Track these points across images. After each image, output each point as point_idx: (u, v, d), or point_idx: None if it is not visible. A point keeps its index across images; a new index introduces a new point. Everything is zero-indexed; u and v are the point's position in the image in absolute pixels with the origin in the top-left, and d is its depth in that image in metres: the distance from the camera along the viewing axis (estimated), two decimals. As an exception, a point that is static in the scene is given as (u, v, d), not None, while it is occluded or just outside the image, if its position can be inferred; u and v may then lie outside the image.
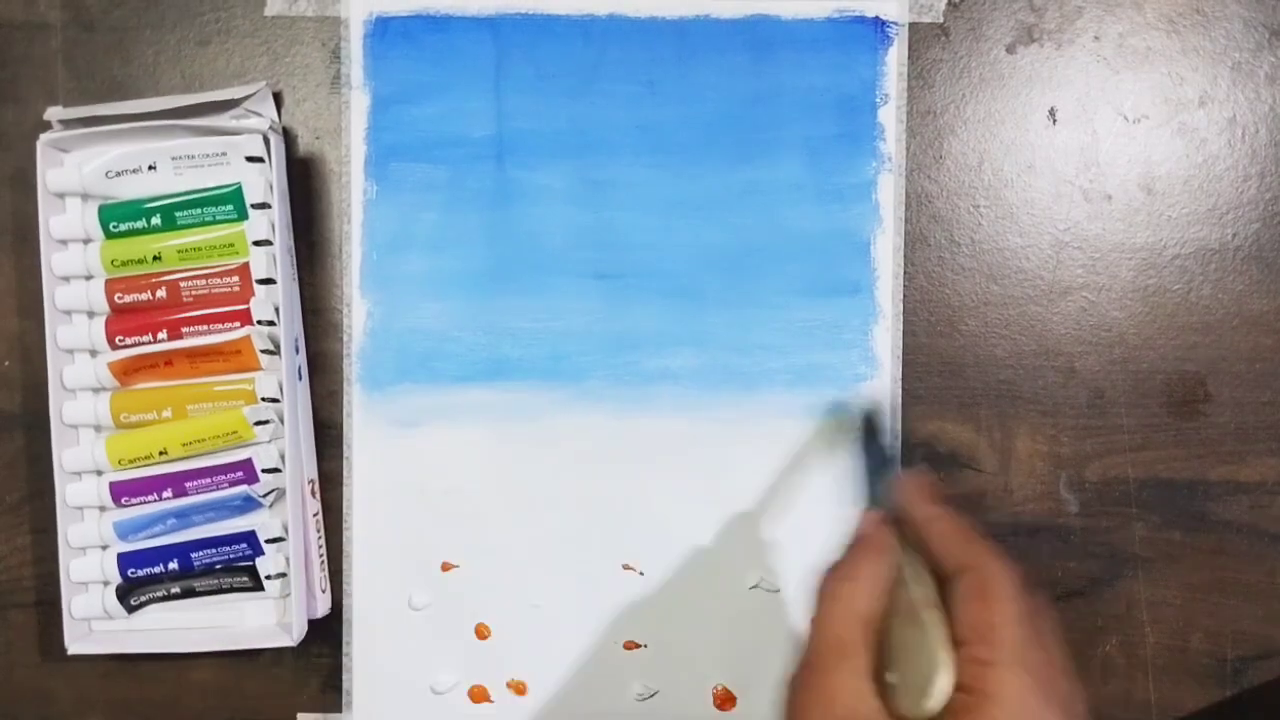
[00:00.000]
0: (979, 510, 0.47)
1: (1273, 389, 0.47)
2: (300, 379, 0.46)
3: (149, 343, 0.45)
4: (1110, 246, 0.47)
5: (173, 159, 0.44)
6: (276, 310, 0.44)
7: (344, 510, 0.47)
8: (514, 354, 0.47)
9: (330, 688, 0.47)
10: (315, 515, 0.46)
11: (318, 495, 0.46)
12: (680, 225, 0.46)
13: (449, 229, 0.46)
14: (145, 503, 0.45)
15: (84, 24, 0.47)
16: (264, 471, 0.45)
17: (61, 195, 0.45)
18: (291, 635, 0.45)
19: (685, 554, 0.47)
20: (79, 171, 0.44)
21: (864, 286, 0.47)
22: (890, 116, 0.46)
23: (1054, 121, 0.47)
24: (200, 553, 0.45)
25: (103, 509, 0.46)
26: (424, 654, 0.47)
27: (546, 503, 0.47)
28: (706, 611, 0.47)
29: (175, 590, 0.46)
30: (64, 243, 0.45)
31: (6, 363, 0.47)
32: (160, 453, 0.45)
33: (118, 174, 0.45)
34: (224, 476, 0.45)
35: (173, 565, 0.46)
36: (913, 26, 0.46)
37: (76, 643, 0.45)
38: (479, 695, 0.47)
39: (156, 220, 0.45)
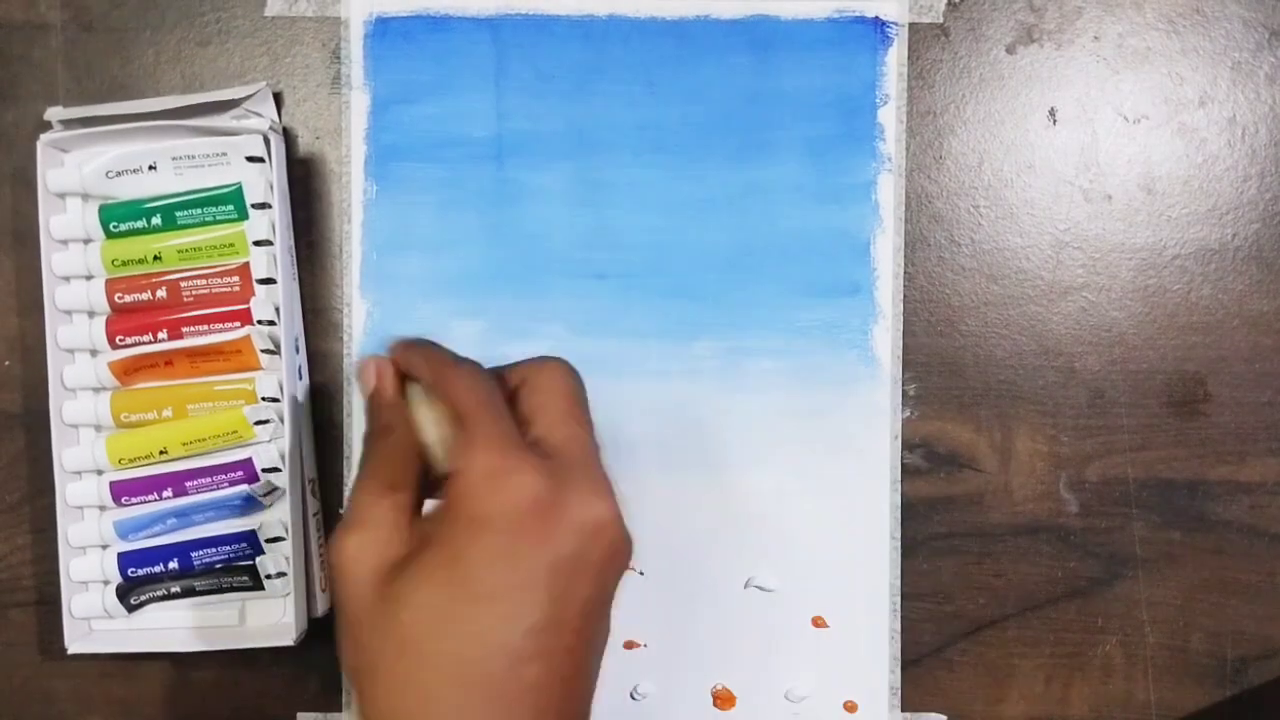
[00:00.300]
0: (979, 510, 0.47)
1: (1273, 389, 0.47)
2: (300, 379, 0.46)
3: (149, 342, 0.45)
4: (1110, 246, 0.47)
5: (173, 159, 0.44)
6: (277, 310, 0.44)
7: (344, 510, 0.47)
8: (514, 354, 0.46)
9: (330, 688, 0.47)
10: (315, 515, 0.46)
11: (318, 495, 0.46)
12: (680, 225, 0.46)
13: (449, 229, 0.46)
14: (145, 502, 0.45)
15: (84, 24, 0.47)
16: (264, 471, 0.45)
17: (62, 195, 0.45)
18: (291, 635, 0.45)
19: (685, 554, 0.47)
20: (79, 171, 0.44)
21: (864, 286, 0.47)
22: (890, 117, 0.46)
23: (1054, 121, 0.47)
24: (200, 552, 0.46)
25: (103, 508, 0.46)
26: (424, 654, 0.47)
27: (546, 502, 0.47)
28: (706, 611, 0.47)
29: (175, 590, 0.46)
30: (64, 243, 0.45)
31: (7, 362, 0.47)
32: (160, 452, 0.45)
33: (118, 174, 0.45)
34: (224, 476, 0.45)
35: (173, 564, 0.46)
36: (913, 27, 0.46)
37: (76, 642, 0.45)
38: (479, 695, 0.47)
39: (157, 220, 0.45)
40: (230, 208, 0.44)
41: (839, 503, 0.47)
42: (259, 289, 0.45)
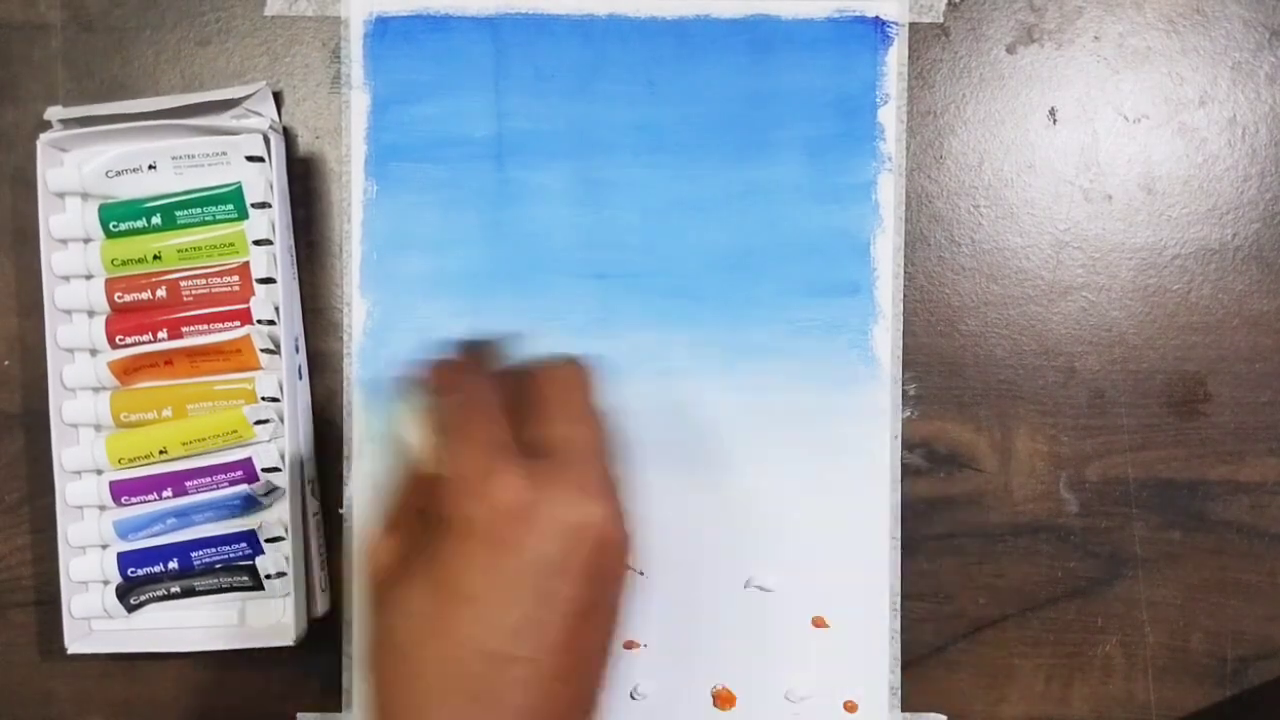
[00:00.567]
0: (979, 510, 0.47)
1: (1273, 389, 0.47)
2: (300, 378, 0.46)
3: (149, 342, 0.45)
4: (1110, 246, 0.47)
5: (173, 158, 0.44)
6: (276, 310, 0.44)
7: (344, 510, 0.47)
8: (513, 354, 0.46)
9: (330, 688, 0.47)
10: (315, 515, 0.46)
11: (318, 495, 0.46)
12: (680, 225, 0.46)
13: (449, 229, 0.46)
14: (145, 502, 0.45)
15: (84, 24, 0.47)
16: (264, 471, 0.45)
17: (61, 195, 0.45)
18: (291, 635, 0.45)
19: (685, 554, 0.47)
20: (79, 171, 0.44)
21: (864, 286, 0.47)
22: (890, 116, 0.46)
23: (1054, 121, 0.47)
24: (200, 552, 0.46)
25: (103, 508, 0.46)
26: (424, 654, 0.47)
27: (546, 502, 0.47)
28: (706, 611, 0.47)
29: (175, 589, 0.46)
30: (64, 242, 0.45)
31: (6, 362, 0.47)
32: (160, 452, 0.45)
33: (118, 173, 0.45)
34: (224, 476, 0.45)
35: (173, 564, 0.46)
36: (913, 26, 0.46)
37: (76, 642, 0.45)
38: (479, 695, 0.47)
39: (157, 220, 0.45)
40: (230, 207, 0.44)
41: (839, 503, 0.47)
42: (259, 289, 0.45)
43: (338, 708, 0.47)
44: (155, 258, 0.45)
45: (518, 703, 0.29)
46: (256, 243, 0.44)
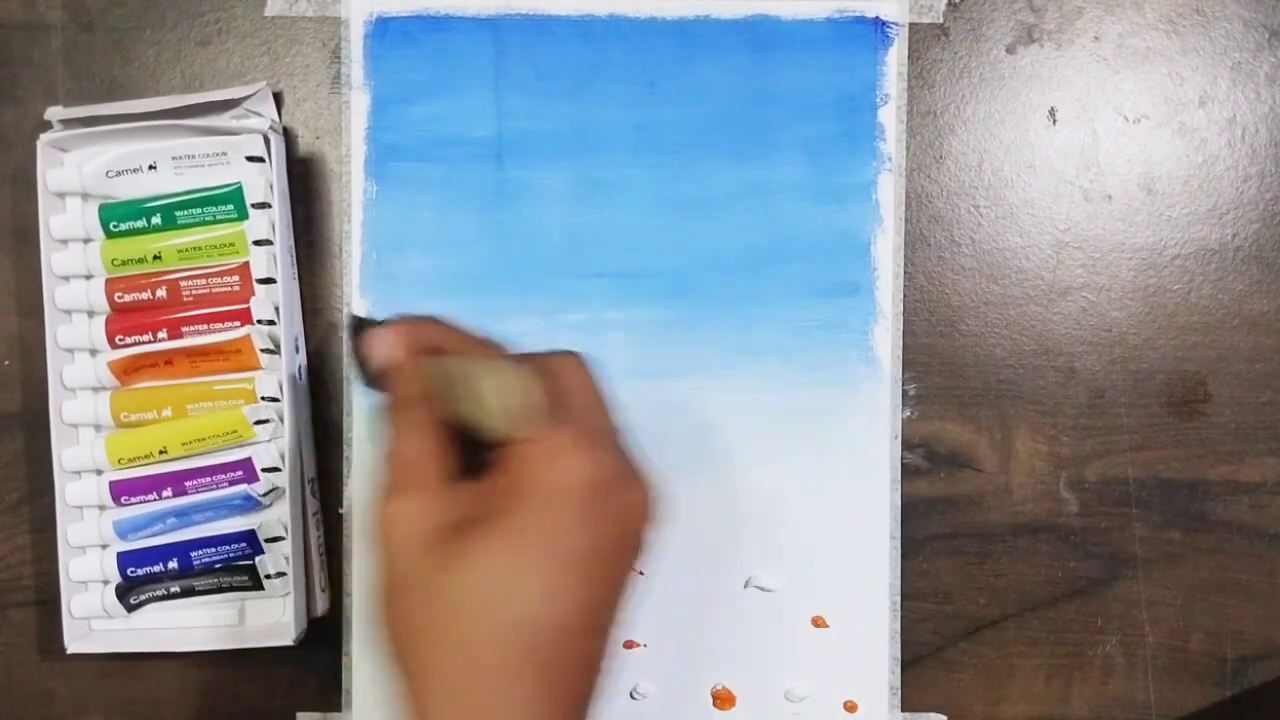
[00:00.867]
0: (979, 510, 0.47)
1: (1273, 389, 0.47)
2: (300, 379, 0.46)
3: (149, 342, 0.45)
4: (1110, 246, 0.47)
5: (173, 159, 0.44)
6: (276, 310, 0.44)
7: (344, 510, 0.47)
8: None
9: (330, 688, 0.47)
10: (315, 515, 0.46)
11: (318, 495, 0.46)
12: (680, 225, 0.46)
13: (449, 229, 0.46)
14: (145, 502, 0.45)
15: (84, 24, 0.47)
16: (264, 471, 0.45)
17: (62, 195, 0.45)
18: (291, 634, 0.45)
19: (685, 554, 0.47)
20: (79, 171, 0.44)
21: (864, 286, 0.47)
22: (890, 116, 0.46)
23: (1054, 121, 0.47)
24: (200, 552, 0.46)
25: (102, 508, 0.46)
26: (424, 654, 0.47)
27: (546, 502, 0.47)
28: (706, 611, 0.47)
29: (175, 589, 0.46)
30: (64, 242, 0.45)
31: (6, 362, 0.47)
32: (160, 452, 0.45)
33: (118, 174, 0.45)
34: (224, 476, 0.45)
35: (172, 564, 0.46)
36: (913, 27, 0.46)
37: (76, 642, 0.45)
38: (479, 695, 0.47)
39: (157, 220, 0.45)
40: (230, 207, 0.44)
41: (839, 503, 0.47)
42: (259, 289, 0.45)
43: (338, 708, 0.47)
44: (155, 258, 0.45)
45: (575, 674, 0.30)
46: (256, 243, 0.44)
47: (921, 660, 0.47)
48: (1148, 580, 0.47)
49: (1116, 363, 0.47)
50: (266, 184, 0.44)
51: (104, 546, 0.46)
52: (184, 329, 0.45)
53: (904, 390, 0.47)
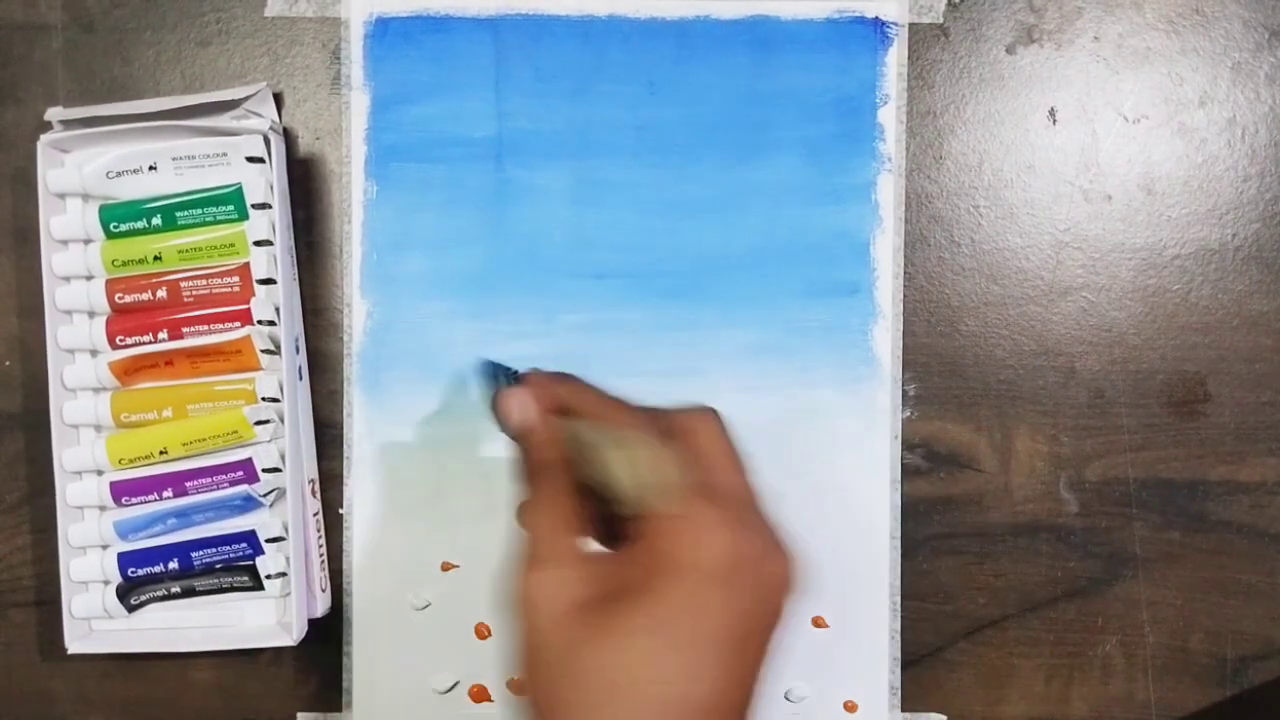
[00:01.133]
0: (979, 510, 0.47)
1: (1273, 389, 0.47)
2: (300, 379, 0.46)
3: (149, 342, 0.45)
4: (1110, 246, 0.47)
5: (173, 159, 0.44)
6: (277, 310, 0.44)
7: (344, 510, 0.47)
8: (514, 354, 0.47)
9: (330, 688, 0.47)
10: (315, 515, 0.46)
11: (318, 495, 0.46)
12: (680, 225, 0.47)
13: (449, 229, 0.46)
14: (145, 502, 0.45)
15: (84, 25, 0.47)
16: (264, 471, 0.45)
17: (62, 195, 0.45)
18: (291, 635, 0.45)
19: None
20: (79, 172, 0.44)
21: (864, 286, 0.47)
22: (890, 117, 0.46)
23: (1054, 121, 0.47)
24: (200, 552, 0.46)
25: (103, 508, 0.46)
26: (424, 654, 0.47)
27: (546, 503, 0.47)
28: (706, 611, 0.47)
29: (175, 589, 0.46)
30: (64, 243, 0.45)
31: (7, 363, 0.47)
32: (160, 452, 0.45)
33: (118, 174, 0.45)
34: (224, 476, 0.45)
35: (173, 564, 0.46)
36: (913, 27, 0.46)
37: (76, 642, 0.45)
38: (479, 695, 0.47)
39: (157, 220, 0.45)
40: (230, 208, 0.44)
41: (839, 503, 0.47)
42: (259, 289, 0.45)
43: (338, 708, 0.47)
44: (156, 258, 0.45)
45: None
46: (257, 243, 0.44)
47: (921, 660, 0.47)
48: (1148, 580, 0.47)
49: (1116, 363, 0.47)
50: (267, 184, 0.44)
51: (104, 547, 0.46)
52: (184, 329, 0.45)
53: (904, 390, 0.47)
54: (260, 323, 0.45)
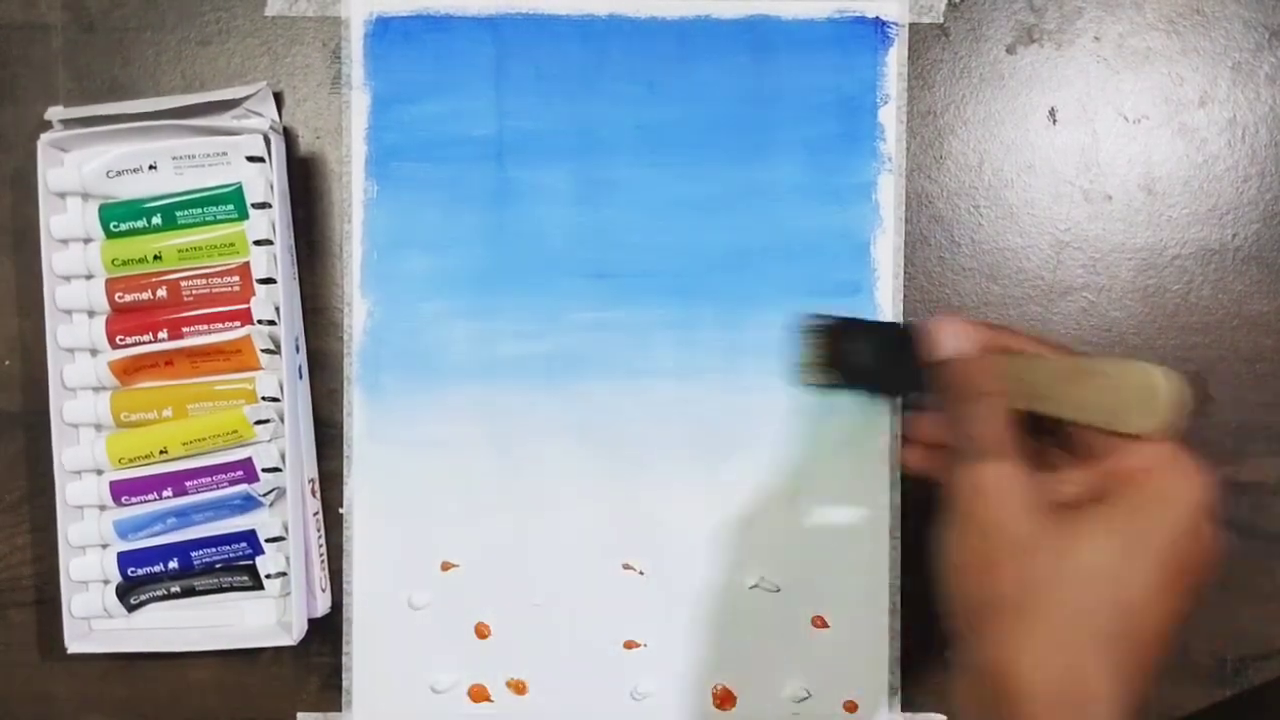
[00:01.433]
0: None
1: (1273, 389, 0.47)
2: (300, 378, 0.46)
3: (149, 342, 0.45)
4: (1110, 246, 0.47)
5: (173, 159, 0.44)
6: (277, 310, 0.44)
7: (344, 510, 0.47)
8: (514, 353, 0.47)
9: (330, 687, 0.47)
10: (315, 515, 0.46)
11: (318, 495, 0.46)
12: (680, 225, 0.47)
13: (449, 228, 0.46)
14: (145, 502, 0.45)
15: (84, 24, 0.47)
16: (264, 471, 0.45)
17: (62, 195, 0.45)
18: (291, 634, 0.45)
19: (685, 554, 0.47)
20: (79, 171, 0.44)
21: (864, 286, 0.47)
22: (890, 117, 0.46)
23: (1054, 121, 0.47)
24: (200, 552, 0.46)
25: (103, 508, 0.46)
26: (424, 654, 0.47)
27: (546, 502, 0.47)
28: (706, 611, 0.47)
29: (175, 589, 0.46)
30: (64, 242, 0.45)
31: (7, 362, 0.47)
32: (160, 452, 0.45)
33: (118, 174, 0.45)
34: (224, 476, 0.45)
35: (173, 564, 0.46)
36: (913, 27, 0.46)
37: (76, 642, 0.45)
38: (479, 695, 0.47)
39: (157, 220, 0.45)
40: (230, 207, 0.44)
41: (839, 503, 0.47)
42: (259, 289, 0.45)
43: (338, 707, 0.47)
44: (155, 258, 0.45)
45: (1144, 671, 0.33)
46: (257, 243, 0.44)
47: (921, 660, 0.47)
48: (1148, 580, 0.47)
49: (1116, 363, 0.47)
50: (267, 184, 0.44)
51: (104, 546, 0.46)
52: (184, 329, 0.45)
53: (904, 390, 0.47)
54: (260, 322, 0.45)
